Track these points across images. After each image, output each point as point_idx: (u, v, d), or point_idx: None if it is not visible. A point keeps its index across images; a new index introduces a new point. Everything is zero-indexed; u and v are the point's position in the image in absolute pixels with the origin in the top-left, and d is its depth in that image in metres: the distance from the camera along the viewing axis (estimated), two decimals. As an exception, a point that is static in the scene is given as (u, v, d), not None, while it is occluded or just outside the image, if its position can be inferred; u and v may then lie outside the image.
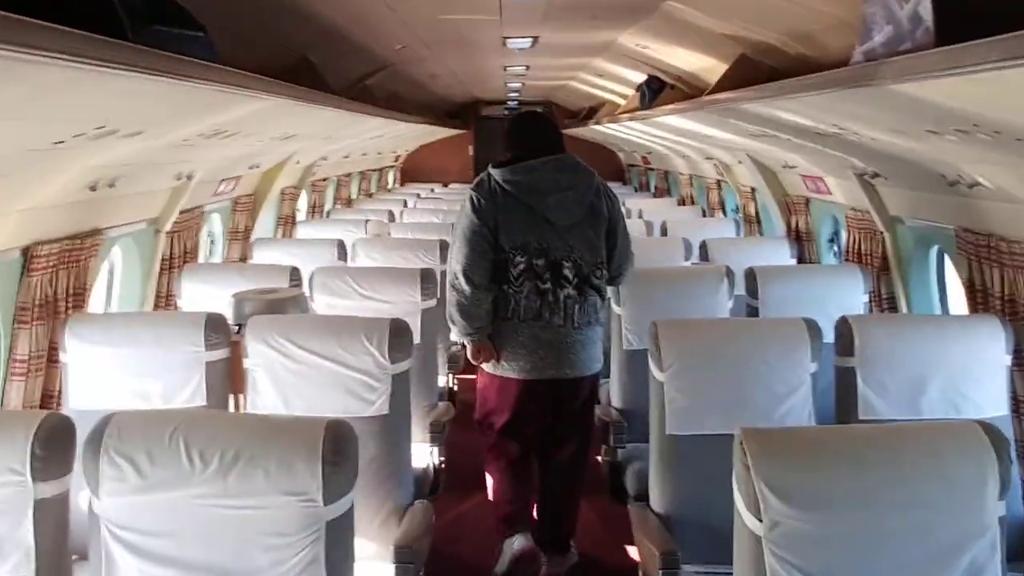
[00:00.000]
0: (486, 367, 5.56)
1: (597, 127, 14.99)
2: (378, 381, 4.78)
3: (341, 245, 8.43)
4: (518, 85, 16.23)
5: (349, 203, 14.79)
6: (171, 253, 7.21)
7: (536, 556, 5.47)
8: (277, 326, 4.89)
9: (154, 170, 6.19)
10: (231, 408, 5.25)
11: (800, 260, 8.54)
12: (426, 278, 6.47)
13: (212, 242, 9.23)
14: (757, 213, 10.31)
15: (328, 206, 13.84)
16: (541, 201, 5.31)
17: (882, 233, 6.76)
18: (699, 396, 4.68)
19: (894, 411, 4.68)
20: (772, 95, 5.00)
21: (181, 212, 7.16)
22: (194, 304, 6.58)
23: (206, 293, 6.60)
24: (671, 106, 8.19)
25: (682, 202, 14.55)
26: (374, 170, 17.89)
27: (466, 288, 5.32)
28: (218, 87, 4.19)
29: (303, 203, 12.44)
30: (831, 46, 5.14)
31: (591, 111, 16.78)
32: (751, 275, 6.54)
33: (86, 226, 5.69)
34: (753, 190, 10.19)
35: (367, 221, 10.41)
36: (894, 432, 3.24)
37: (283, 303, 5.85)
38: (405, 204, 13.80)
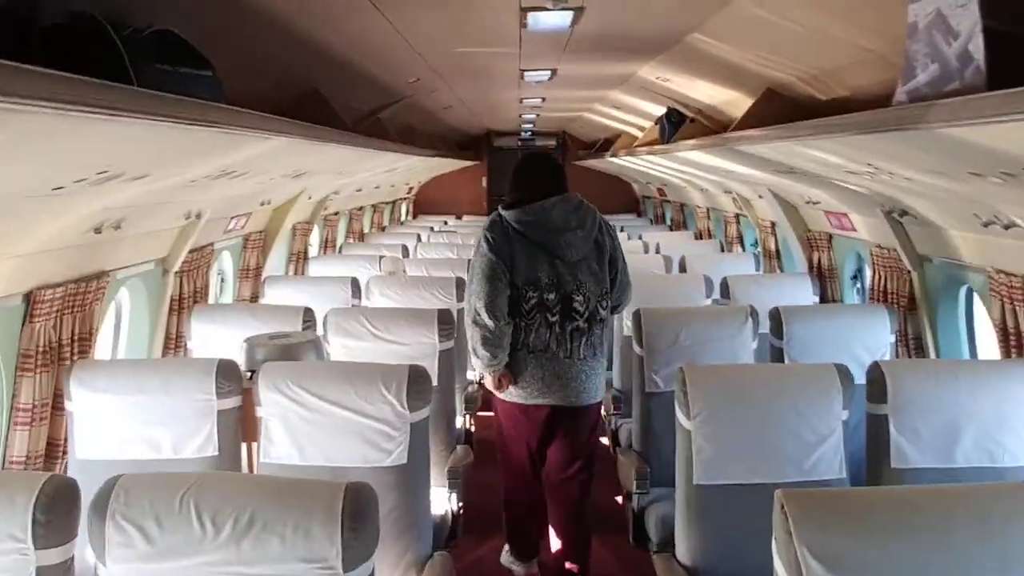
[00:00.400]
0: (498, 394, 5.85)
1: (613, 159, 14.83)
2: (396, 430, 4.63)
3: (355, 283, 8.28)
4: (533, 116, 16.10)
5: (362, 237, 14.56)
6: (180, 293, 7.05)
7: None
8: (291, 373, 4.73)
9: (161, 210, 6.02)
10: (244, 458, 5.09)
11: (822, 297, 8.37)
12: (443, 319, 6.30)
13: (223, 280, 9.07)
14: (777, 248, 10.13)
15: (340, 240, 13.67)
16: (552, 239, 5.62)
17: (909, 272, 6.60)
18: (727, 444, 4.55)
19: (927, 459, 4.58)
20: (809, 134, 4.78)
21: (190, 251, 7.01)
22: (204, 346, 6.47)
23: (217, 335, 6.46)
24: (693, 141, 7.99)
25: (699, 236, 14.38)
26: (387, 203, 17.72)
27: (489, 323, 5.55)
28: (225, 129, 4.01)
29: (315, 238, 12.30)
30: (863, 82, 5.01)
31: (606, 143, 16.68)
32: (776, 315, 6.34)
33: (91, 268, 5.53)
34: (773, 225, 10.02)
35: (381, 257, 10.24)
36: (943, 495, 3.06)
37: (297, 348, 5.64)
38: (419, 238, 13.60)
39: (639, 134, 12.80)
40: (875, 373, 4.68)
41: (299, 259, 10.68)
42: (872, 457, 4.71)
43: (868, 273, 7.82)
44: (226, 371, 4.80)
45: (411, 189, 20.15)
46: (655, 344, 6.19)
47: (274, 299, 8.03)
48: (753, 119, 6.34)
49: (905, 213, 6.14)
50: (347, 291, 8.17)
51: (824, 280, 8.50)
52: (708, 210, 14.14)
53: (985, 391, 4.61)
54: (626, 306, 6.11)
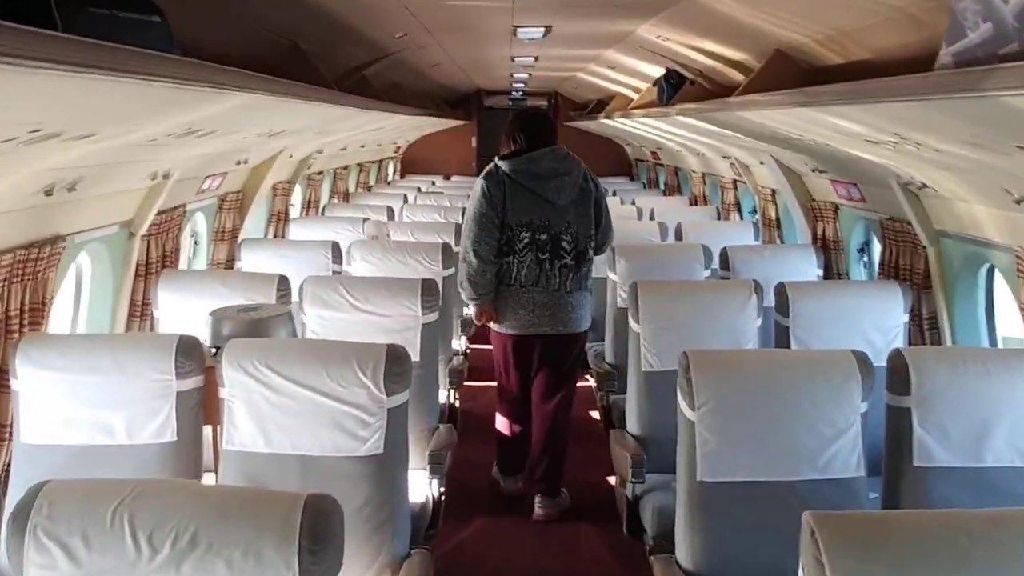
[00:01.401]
0: (493, 326, 6.68)
1: (607, 121, 14.48)
2: (372, 416, 4.25)
3: (336, 248, 7.94)
4: (524, 76, 15.69)
5: (346, 197, 14.19)
6: (148, 258, 6.64)
7: (523, 497, 6.86)
8: (258, 351, 4.33)
9: (123, 170, 5.60)
10: (208, 443, 4.78)
11: (827, 271, 7.99)
12: (427, 289, 5.96)
13: (196, 243, 8.64)
14: (778, 217, 9.76)
15: (324, 201, 13.28)
16: (543, 185, 6.36)
17: (924, 248, 6.22)
18: (735, 438, 4.22)
19: (954, 458, 4.23)
20: (836, 100, 4.32)
21: (159, 213, 6.61)
22: (171, 316, 6.16)
23: (185, 304, 6.12)
24: (693, 105, 7.58)
25: (694, 201, 14.01)
26: (373, 162, 17.27)
27: (474, 261, 6.39)
28: (178, 84, 3.55)
29: (297, 198, 11.87)
30: (888, 44, 4.58)
31: (599, 104, 16.28)
32: (781, 291, 6.01)
33: (44, 232, 5.07)
34: (774, 192, 9.66)
35: (365, 220, 9.82)
36: (993, 520, 2.66)
37: (268, 323, 5.24)
38: (405, 199, 13.21)
39: (634, 96, 12.49)
40: (897, 362, 4.30)
41: (279, 220, 10.28)
42: (893, 454, 4.36)
43: (877, 247, 7.47)
44: (187, 348, 4.43)
45: (399, 148, 19.81)
46: (654, 320, 5.87)
47: (250, 264, 7.68)
48: (760, 83, 5.91)
49: (924, 186, 5.72)
50: (327, 256, 7.87)
51: (829, 252, 8.09)
52: (704, 175, 13.76)
53: (1016, 383, 4.23)
54: (609, 246, 6.92)
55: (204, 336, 5.12)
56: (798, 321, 5.90)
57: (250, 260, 7.76)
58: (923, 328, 6.32)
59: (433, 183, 17.73)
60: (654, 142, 14.89)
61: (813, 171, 7.76)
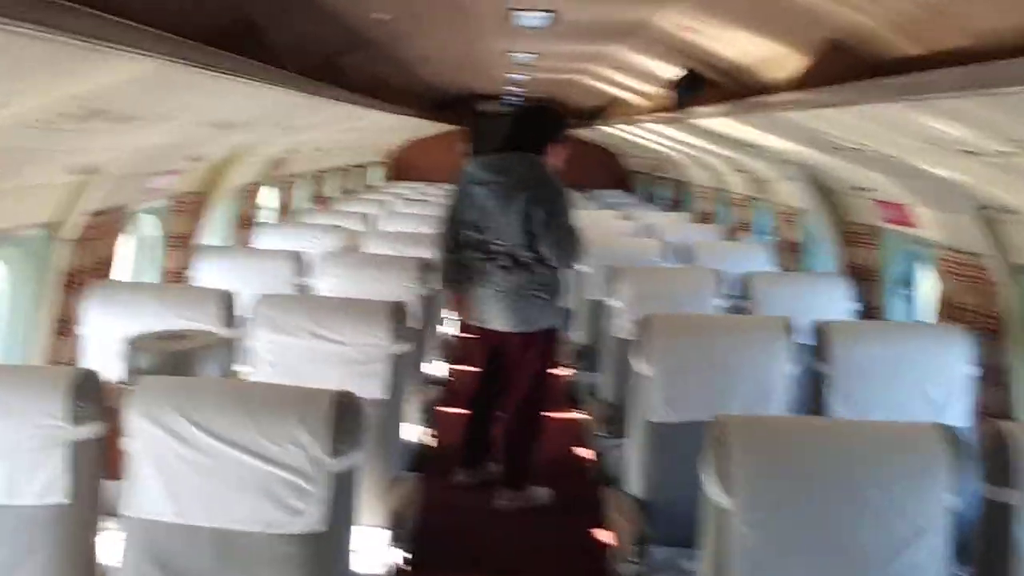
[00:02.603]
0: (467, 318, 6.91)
1: (605, 128, 13.61)
2: (312, 483, 3.31)
3: (300, 260, 7.08)
4: (521, 78, 14.66)
5: (326, 203, 13.19)
6: (78, 266, 5.72)
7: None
8: (174, 393, 3.43)
9: (29, 161, 4.62)
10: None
11: (863, 303, 7.00)
12: (398, 314, 5.10)
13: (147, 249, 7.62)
14: (801, 240, 8.83)
15: (300, 206, 12.37)
16: (481, 188, 6.51)
17: (998, 285, 5.23)
18: (783, 537, 3.28)
19: None
20: (951, 92, 3.33)
21: (95, 214, 5.68)
22: (98, 336, 5.23)
23: (115, 322, 5.14)
24: (722, 106, 6.57)
25: (699, 219, 12.94)
26: (358, 165, 16.35)
27: (439, 252, 6.82)
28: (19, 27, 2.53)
29: (270, 201, 11.01)
30: (981, 26, 3.59)
31: (597, 111, 15.49)
32: (822, 332, 5.08)
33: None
34: (797, 212, 8.71)
35: (339, 228, 8.94)
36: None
37: (194, 355, 4.28)
38: (388, 208, 12.29)
39: (640, 101, 11.65)
40: (992, 438, 3.26)
41: (245, 226, 9.32)
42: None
43: (925, 280, 6.75)
44: (85, 385, 3.44)
45: (388, 152, 19.02)
46: (667, 361, 4.85)
47: (204, 275, 6.86)
48: (809, 79, 4.99)
49: (1007, 210, 4.76)
50: (291, 269, 7.03)
51: (863, 284, 7.12)
52: (712, 190, 12.70)
53: None
54: (573, 258, 6.63)
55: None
56: (840, 369, 4.99)
57: (204, 270, 6.94)
58: (998, 385, 5.30)
59: (421, 191, 16.92)
60: (656, 152, 13.97)
61: (853, 189, 6.79)
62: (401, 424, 5.34)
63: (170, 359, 4.24)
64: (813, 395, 5.08)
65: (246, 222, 9.36)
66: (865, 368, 4.96)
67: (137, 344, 4.33)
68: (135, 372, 4.14)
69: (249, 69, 4.62)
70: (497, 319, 6.61)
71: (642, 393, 4.88)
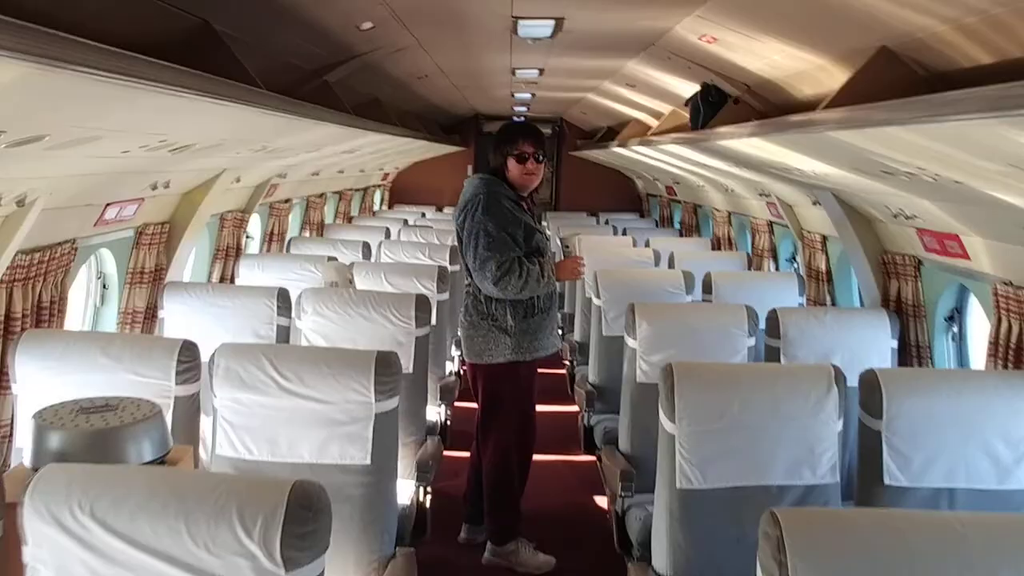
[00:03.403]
0: None
1: (620, 150, 12.81)
2: None
3: (285, 297, 6.40)
4: (527, 96, 13.98)
5: (320, 230, 12.50)
6: (15, 311, 5.00)
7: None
8: (81, 488, 2.69)
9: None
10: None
11: (903, 342, 6.40)
12: (386, 365, 4.49)
13: (105, 287, 6.85)
14: (829, 270, 8.15)
15: (293, 233, 11.67)
16: None
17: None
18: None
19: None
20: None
21: (31, 251, 5.01)
22: (32, 397, 4.45)
23: (52, 380, 4.52)
24: (753, 124, 5.78)
25: (716, 244, 12.34)
26: (356, 190, 15.62)
27: None
28: None
29: (256, 230, 10.29)
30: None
31: (610, 132, 14.94)
32: (871, 385, 4.40)
33: None
34: (825, 239, 8.08)
35: (330, 259, 8.13)
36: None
37: (123, 434, 3.49)
38: (387, 234, 11.60)
39: (654, 121, 10.95)
40: None
41: (228, 257, 8.59)
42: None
43: (973, 315, 6.31)
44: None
45: (387, 175, 18.18)
46: (697, 419, 4.34)
47: (173, 315, 6.32)
48: (853, 93, 4.29)
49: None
50: (272, 306, 6.36)
51: (906, 320, 6.48)
52: (730, 214, 12.04)
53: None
54: (491, 292, 6.07)
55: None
56: (896, 428, 4.34)
57: (173, 310, 6.31)
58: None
59: (423, 215, 16.34)
60: (672, 175, 13.29)
61: (895, 216, 6.08)
62: (396, 485, 4.72)
63: (87, 440, 3.45)
64: (863, 456, 4.49)
65: (230, 253, 8.64)
66: (924, 426, 4.35)
67: (45, 420, 3.52)
68: (43, 456, 3.39)
69: (202, 85, 3.87)
70: (463, 350, 6.44)
71: (668, 453, 4.38)
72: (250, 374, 4.39)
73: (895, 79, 4.18)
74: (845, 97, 4.29)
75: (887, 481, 4.28)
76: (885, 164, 4.45)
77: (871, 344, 6.09)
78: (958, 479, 4.29)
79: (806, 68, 5.35)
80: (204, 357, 4.61)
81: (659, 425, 4.42)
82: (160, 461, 3.56)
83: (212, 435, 4.47)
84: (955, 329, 6.44)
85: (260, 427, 4.38)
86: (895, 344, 6.17)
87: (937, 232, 5.75)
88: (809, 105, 5.48)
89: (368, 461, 4.38)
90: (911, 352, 6.37)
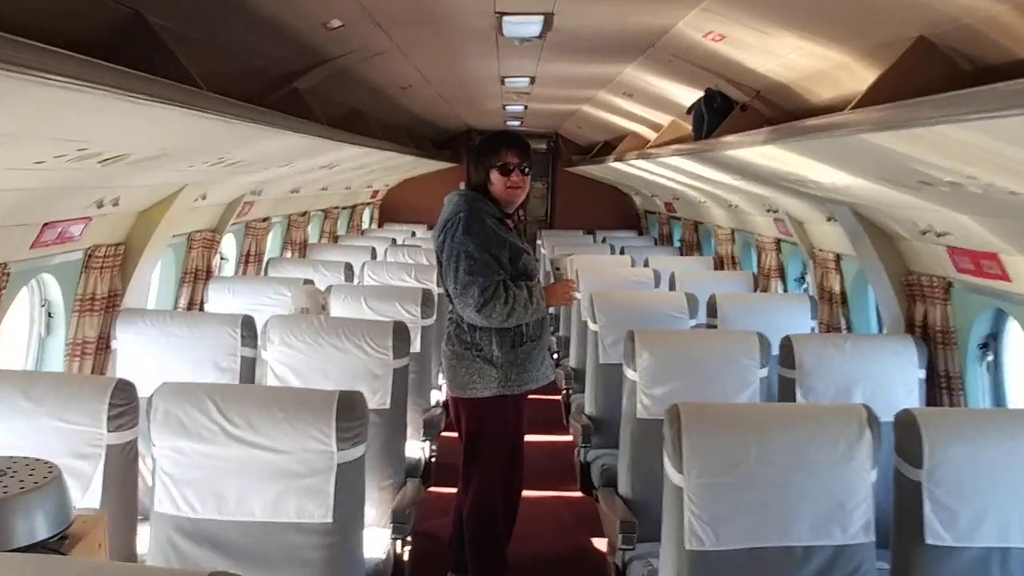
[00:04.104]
0: None
1: (617, 165, 12.35)
2: None
3: (249, 325, 5.89)
4: (519, 109, 13.49)
5: (303, 250, 11.90)
6: None
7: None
8: None
9: None
10: None
11: (931, 372, 5.85)
12: (347, 409, 3.96)
13: (51, 315, 6.20)
14: (843, 291, 7.61)
15: (274, 254, 11.11)
16: None
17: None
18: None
19: None
20: None
21: None
22: None
23: None
24: (766, 131, 5.19)
25: (719, 263, 11.75)
26: (344, 208, 15.12)
27: None
28: None
29: (232, 250, 9.73)
30: None
31: (606, 146, 14.63)
32: (908, 428, 3.86)
33: None
34: (839, 258, 7.54)
35: (307, 283, 7.71)
36: None
37: (7, 511, 2.88)
38: (373, 254, 11.03)
39: (651, 134, 10.54)
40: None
41: (196, 280, 8.02)
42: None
43: (1012, 342, 5.74)
44: None
45: (376, 193, 17.71)
46: (709, 470, 3.84)
47: (127, 346, 5.84)
48: (890, 91, 3.70)
49: None
50: (236, 337, 5.83)
51: (933, 346, 5.91)
52: (733, 232, 11.48)
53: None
54: (466, 306, 5.54)
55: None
56: (940, 473, 3.80)
57: (127, 341, 5.83)
58: None
59: (413, 233, 15.86)
60: (671, 191, 12.76)
61: (923, 233, 5.51)
62: (362, 545, 4.21)
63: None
64: (901, 510, 3.96)
65: (200, 276, 8.09)
66: (972, 476, 3.82)
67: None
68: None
69: (119, 81, 3.28)
70: (446, 382, 5.91)
71: (675, 507, 3.88)
72: (193, 419, 3.87)
73: (935, 74, 3.65)
74: (878, 95, 3.73)
75: (929, 540, 3.77)
76: (925, 173, 3.86)
77: (896, 374, 5.61)
78: (1013, 537, 3.77)
79: (825, 68, 4.83)
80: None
81: (664, 474, 3.92)
82: (61, 537, 2.95)
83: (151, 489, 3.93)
84: (990, 358, 5.88)
85: (205, 481, 3.87)
86: (922, 374, 5.68)
87: (971, 251, 5.22)
88: (826, 110, 5.00)
89: (329, 519, 3.88)
90: (940, 383, 5.82)
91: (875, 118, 3.42)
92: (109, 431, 3.96)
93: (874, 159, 4.08)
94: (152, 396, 3.93)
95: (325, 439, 3.84)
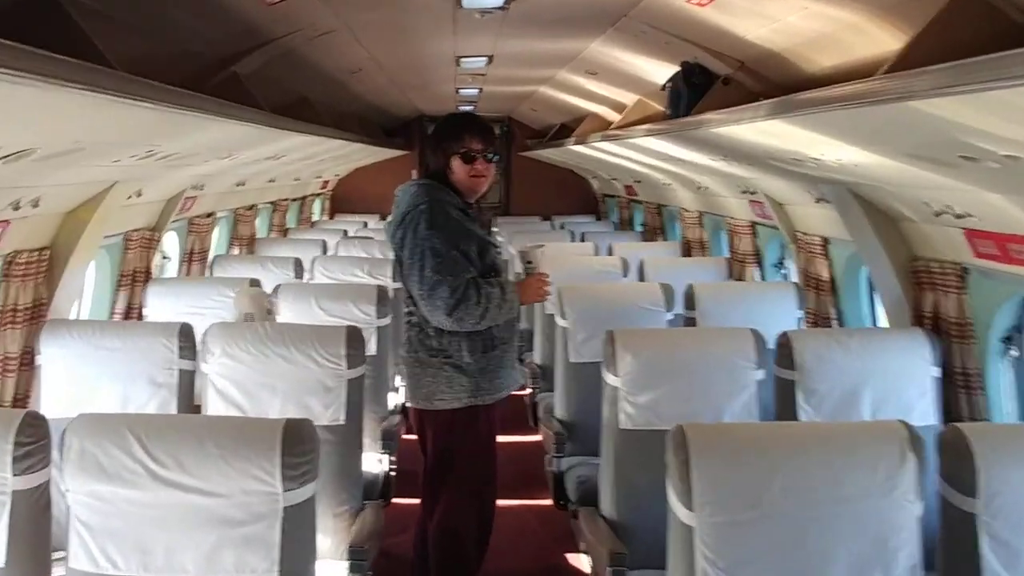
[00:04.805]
0: None
1: (579, 148, 11.93)
2: None
3: (187, 334, 5.33)
4: (473, 92, 13.10)
5: (251, 245, 11.32)
6: None
7: None
8: None
9: None
10: None
11: (947, 369, 5.31)
12: (295, 442, 3.42)
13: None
14: (832, 279, 7.10)
15: (220, 251, 10.59)
16: None
17: None
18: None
19: None
20: None
21: None
22: None
23: None
24: (769, 103, 4.63)
25: (687, 249, 11.18)
26: (293, 199, 14.62)
27: None
28: None
29: (175, 249, 9.20)
30: None
31: (563, 128, 14.32)
32: (956, 449, 3.37)
33: None
34: (826, 243, 7.02)
35: (253, 283, 7.21)
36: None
37: None
38: (324, 248, 10.57)
39: (614, 115, 10.23)
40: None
41: (135, 284, 7.45)
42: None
43: None
44: None
45: (326, 183, 17.22)
46: (728, 509, 3.33)
47: (52, 362, 5.25)
48: (932, 50, 3.19)
49: None
50: (173, 348, 5.26)
51: (948, 341, 5.38)
52: (701, 215, 10.92)
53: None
54: (433, 308, 5.04)
55: None
56: (998, 502, 3.30)
57: (53, 356, 5.28)
58: None
59: (365, 224, 15.45)
60: (633, 173, 12.28)
61: (938, 214, 4.98)
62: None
63: None
64: (950, 544, 3.46)
65: (138, 278, 7.54)
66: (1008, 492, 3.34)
67: None
68: None
69: (24, 64, 2.73)
70: (407, 392, 5.42)
71: (684, 550, 3.43)
72: (112, 458, 3.31)
73: (979, 30, 3.14)
74: (918, 55, 3.19)
75: (986, 581, 3.25)
76: (976, 146, 3.29)
77: (907, 373, 5.11)
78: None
79: (830, 31, 4.34)
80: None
81: (668, 509, 3.41)
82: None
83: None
84: (1014, 352, 5.33)
85: (128, 531, 3.32)
86: (936, 372, 5.17)
87: (996, 233, 4.70)
88: (824, 80, 4.53)
89: (275, 572, 3.37)
90: (957, 381, 5.29)
91: (930, 84, 2.83)
92: (15, 475, 3.31)
93: (908, 132, 3.52)
94: (65, 430, 3.37)
95: (268, 478, 3.30)
